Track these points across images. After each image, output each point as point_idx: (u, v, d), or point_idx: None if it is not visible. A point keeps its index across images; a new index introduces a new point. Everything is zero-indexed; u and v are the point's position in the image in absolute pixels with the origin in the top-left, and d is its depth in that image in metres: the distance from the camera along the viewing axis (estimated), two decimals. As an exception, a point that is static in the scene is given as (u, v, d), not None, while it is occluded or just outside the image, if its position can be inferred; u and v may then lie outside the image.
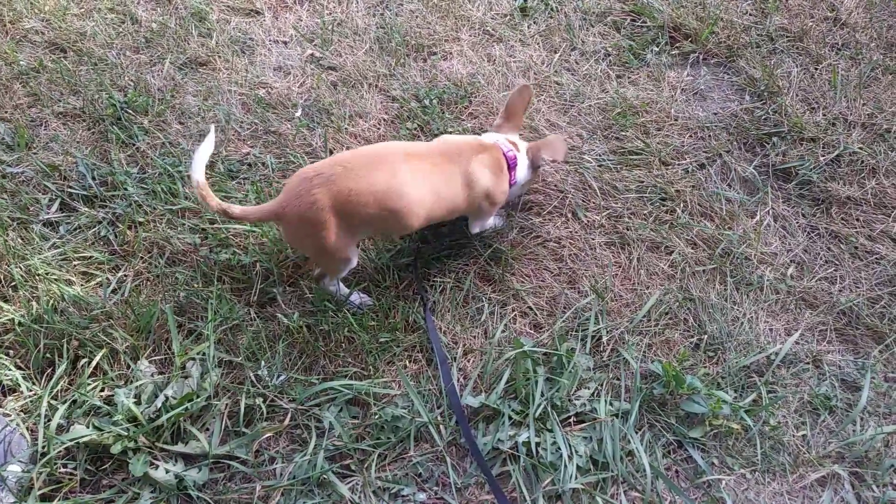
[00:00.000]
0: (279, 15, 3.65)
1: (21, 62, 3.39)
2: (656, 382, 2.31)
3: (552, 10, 3.61)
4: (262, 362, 2.37)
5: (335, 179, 2.15)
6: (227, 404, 2.31)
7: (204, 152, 2.25)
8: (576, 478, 2.11)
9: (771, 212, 2.81)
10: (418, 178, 2.27)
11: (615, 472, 2.14)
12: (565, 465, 2.12)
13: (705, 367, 2.40)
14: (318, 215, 2.16)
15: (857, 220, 2.78)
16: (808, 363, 2.42)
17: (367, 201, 2.18)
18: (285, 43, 3.51)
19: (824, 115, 3.06)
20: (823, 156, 2.92)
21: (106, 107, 3.16)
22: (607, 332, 2.47)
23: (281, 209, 2.21)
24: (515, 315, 2.55)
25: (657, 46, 3.42)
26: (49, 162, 2.97)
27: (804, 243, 2.73)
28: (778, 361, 2.39)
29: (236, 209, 2.26)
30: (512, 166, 2.51)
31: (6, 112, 3.19)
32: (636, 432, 2.22)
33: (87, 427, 2.20)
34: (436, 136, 2.98)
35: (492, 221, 2.69)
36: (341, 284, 2.51)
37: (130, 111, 3.16)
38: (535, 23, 3.57)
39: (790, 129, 3.01)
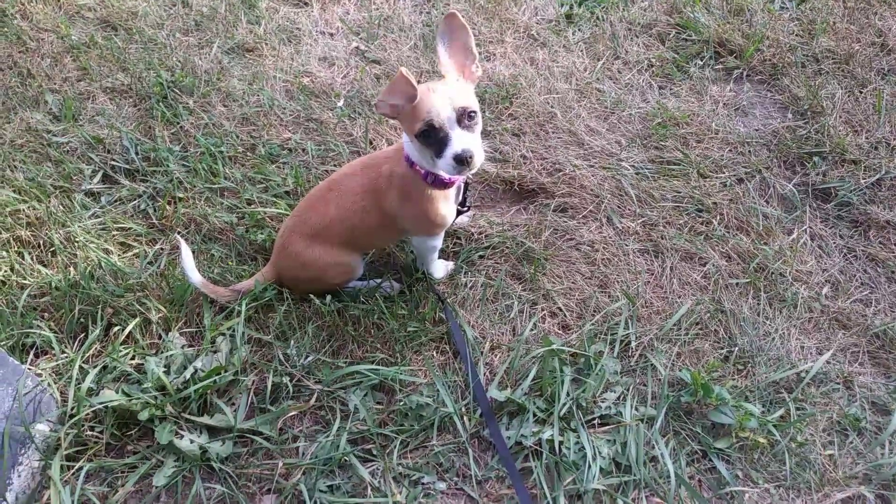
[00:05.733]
0: (327, 7, 3.70)
1: (73, 37, 3.47)
2: (684, 390, 2.29)
3: (598, 18, 3.63)
4: (292, 342, 2.39)
5: (298, 226, 2.37)
6: (254, 381, 2.33)
7: (188, 259, 2.42)
8: (598, 479, 2.10)
9: (808, 230, 2.79)
10: (353, 198, 2.29)
11: (638, 476, 2.12)
12: (588, 466, 2.11)
13: (734, 379, 2.38)
14: (298, 260, 2.38)
15: (896, 244, 2.75)
16: (838, 383, 2.38)
17: (330, 229, 2.34)
18: (331, 35, 3.56)
19: (867, 138, 3.04)
20: (864, 178, 2.90)
21: (153, 85, 3.22)
22: (636, 337, 2.46)
23: (275, 270, 2.48)
24: (545, 315, 2.55)
25: (701, 60, 3.41)
26: (94, 134, 3.03)
27: (840, 264, 2.70)
28: (808, 379, 2.36)
29: (243, 284, 2.48)
30: (408, 160, 2.19)
31: (56, 84, 3.27)
32: (661, 438, 2.21)
33: (117, 392, 2.23)
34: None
35: (435, 245, 2.47)
36: (360, 282, 2.57)
37: (176, 91, 3.22)
38: (579, 30, 3.58)
39: (832, 150, 2.98)
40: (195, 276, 2.43)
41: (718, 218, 2.80)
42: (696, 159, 2.98)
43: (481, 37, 3.50)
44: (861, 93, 3.22)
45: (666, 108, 3.17)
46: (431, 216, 2.26)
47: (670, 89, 3.30)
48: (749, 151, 3.03)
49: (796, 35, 3.49)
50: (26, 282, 2.52)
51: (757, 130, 3.13)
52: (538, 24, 3.60)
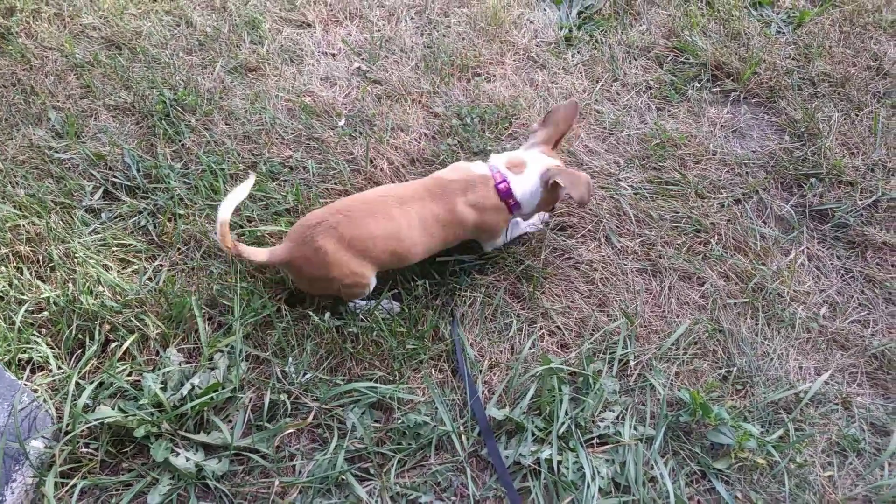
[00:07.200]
0: (329, 28, 3.73)
1: (77, 55, 3.50)
2: (682, 410, 2.29)
3: (597, 41, 3.66)
4: (290, 359, 2.38)
5: (338, 227, 2.30)
6: (251, 398, 2.33)
7: (238, 195, 2.30)
8: (597, 499, 2.08)
9: (805, 251, 2.80)
10: (412, 222, 2.38)
11: (637, 496, 2.11)
12: (587, 485, 2.09)
13: (732, 399, 2.37)
14: (323, 258, 2.29)
15: (893, 265, 2.75)
16: (837, 404, 2.38)
17: (367, 245, 2.33)
18: (333, 55, 3.59)
19: (863, 160, 3.06)
20: (861, 200, 2.91)
21: (156, 103, 3.25)
22: (635, 356, 2.46)
23: (289, 255, 2.35)
24: (543, 333, 2.54)
25: (699, 83, 3.45)
26: (96, 151, 3.05)
27: (838, 285, 2.70)
28: (807, 400, 2.35)
29: (247, 250, 2.33)
30: (505, 195, 2.47)
31: (59, 101, 3.29)
32: (660, 458, 2.20)
33: (113, 409, 2.22)
34: (475, 153, 3.04)
35: (501, 239, 2.70)
36: (363, 301, 2.55)
37: (179, 109, 3.24)
38: (578, 52, 3.62)
39: (828, 172, 3.00)
40: (225, 213, 2.24)
41: (716, 238, 2.81)
42: (693, 180, 3.00)
43: (482, 58, 3.53)
44: (857, 115, 3.25)
45: (664, 130, 3.19)
46: (499, 229, 2.59)
47: (668, 111, 3.33)
48: (746, 173, 3.05)
49: (793, 59, 3.53)
50: (24, 297, 2.51)
51: (754, 152, 3.15)
52: (538, 46, 3.64)
